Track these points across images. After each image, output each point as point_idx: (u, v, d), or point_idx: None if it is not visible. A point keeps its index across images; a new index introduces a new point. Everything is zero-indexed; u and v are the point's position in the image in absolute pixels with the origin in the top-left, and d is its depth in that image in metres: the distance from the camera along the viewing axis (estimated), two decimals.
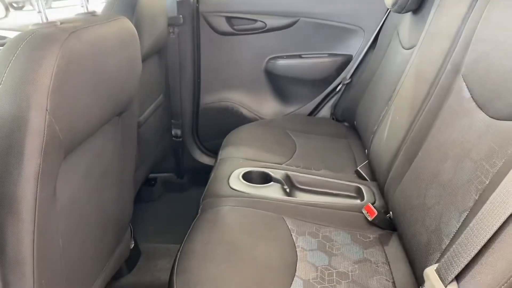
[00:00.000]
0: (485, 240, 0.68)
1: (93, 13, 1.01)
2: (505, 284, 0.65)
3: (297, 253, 1.12)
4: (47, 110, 0.75)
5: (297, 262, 1.09)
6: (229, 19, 2.08)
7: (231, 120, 2.15)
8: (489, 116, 0.92)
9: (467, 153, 0.94)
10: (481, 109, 0.96)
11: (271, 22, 2.07)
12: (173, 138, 2.17)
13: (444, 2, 1.31)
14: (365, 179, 1.55)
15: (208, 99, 2.19)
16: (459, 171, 0.95)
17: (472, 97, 1.02)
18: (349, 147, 1.83)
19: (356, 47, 2.06)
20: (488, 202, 0.72)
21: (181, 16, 1.97)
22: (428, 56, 1.29)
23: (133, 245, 1.55)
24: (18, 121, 0.73)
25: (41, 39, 0.77)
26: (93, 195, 1.06)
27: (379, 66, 1.78)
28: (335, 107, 2.11)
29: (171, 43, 1.97)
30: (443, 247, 0.89)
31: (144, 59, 1.60)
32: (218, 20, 2.07)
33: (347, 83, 2.05)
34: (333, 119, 2.14)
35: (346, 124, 2.06)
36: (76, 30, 0.84)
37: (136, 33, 1.11)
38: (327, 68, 2.12)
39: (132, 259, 1.60)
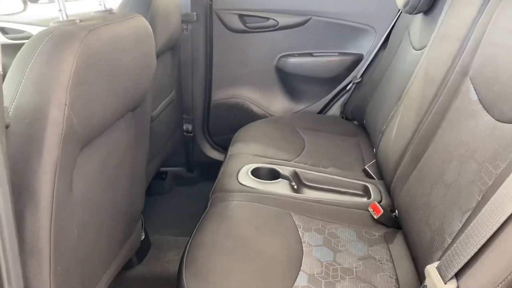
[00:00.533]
0: (485, 239, 0.70)
1: (110, 11, 1.05)
2: (503, 283, 0.67)
3: (303, 248, 1.15)
4: (66, 104, 0.79)
5: (303, 257, 1.12)
6: (241, 16, 2.11)
7: (241, 117, 2.18)
8: (495, 119, 0.94)
9: (472, 154, 0.96)
10: (487, 111, 0.98)
11: (283, 20, 2.10)
12: (184, 133, 2.21)
13: (455, 4, 1.32)
14: (372, 178, 1.57)
15: (219, 95, 2.23)
16: (463, 172, 0.97)
17: (479, 99, 1.03)
18: (357, 146, 1.84)
19: (367, 46, 2.08)
20: (489, 202, 0.74)
21: (194, 13, 2.00)
22: (437, 57, 1.30)
23: (143, 236, 1.59)
24: (38, 114, 0.77)
25: (62, 36, 0.81)
26: (106, 187, 1.10)
27: (390, 66, 1.80)
28: (345, 106, 2.13)
29: (184, 39, 2.00)
30: (445, 245, 0.91)
31: (158, 56, 1.63)
32: (231, 18, 2.10)
33: (358, 82, 2.07)
34: (342, 117, 2.16)
35: (355, 122, 2.08)
36: (94, 28, 0.87)
37: (151, 31, 1.15)
38: (337, 67, 2.14)
39: (142, 251, 1.64)
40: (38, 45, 0.80)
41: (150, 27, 1.14)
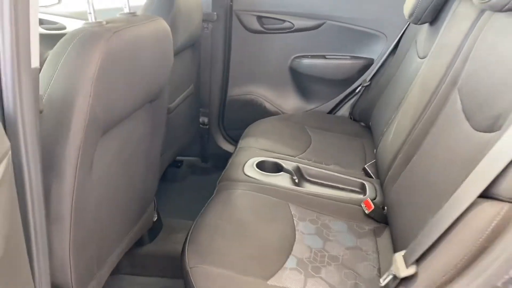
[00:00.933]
0: (441, 232, 0.81)
1: (133, 14, 1.18)
2: (454, 269, 0.78)
3: (296, 235, 1.26)
4: (90, 95, 0.92)
5: (295, 243, 1.23)
6: (260, 18, 2.22)
7: (255, 112, 2.30)
8: (472, 128, 1.03)
9: (452, 159, 1.06)
10: (467, 120, 1.07)
11: (299, 23, 2.20)
12: (200, 125, 2.34)
13: (454, 17, 1.40)
14: (371, 177, 1.67)
15: (235, 91, 2.35)
16: (442, 175, 1.06)
17: (462, 109, 1.12)
18: (362, 146, 1.94)
19: (377, 51, 2.16)
20: (449, 200, 0.84)
21: (215, 13, 2.12)
22: (433, 67, 1.39)
23: (156, 218, 1.73)
24: (67, 103, 0.91)
25: (89, 37, 0.94)
26: (123, 169, 1.24)
27: (396, 72, 1.88)
28: (354, 107, 2.22)
29: (204, 38, 2.12)
30: None
31: (178, 52, 1.77)
32: (249, 19, 2.22)
33: (366, 86, 2.16)
34: (351, 118, 2.25)
35: (362, 124, 2.16)
36: (118, 30, 1.00)
37: (170, 33, 1.27)
38: (348, 70, 2.23)
39: (154, 231, 1.78)
40: (69, 43, 0.93)
41: (169, 29, 1.27)
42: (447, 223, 0.81)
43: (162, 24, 1.23)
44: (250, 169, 1.59)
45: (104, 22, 1.02)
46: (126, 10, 1.18)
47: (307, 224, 1.32)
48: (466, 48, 1.22)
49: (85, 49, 0.92)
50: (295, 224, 1.31)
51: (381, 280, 0.92)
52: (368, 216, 1.40)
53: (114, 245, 1.27)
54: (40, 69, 0.93)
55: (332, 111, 2.30)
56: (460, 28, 1.29)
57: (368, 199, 1.44)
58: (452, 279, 0.78)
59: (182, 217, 1.98)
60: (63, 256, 1.00)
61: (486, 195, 0.78)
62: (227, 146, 2.39)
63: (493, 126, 0.93)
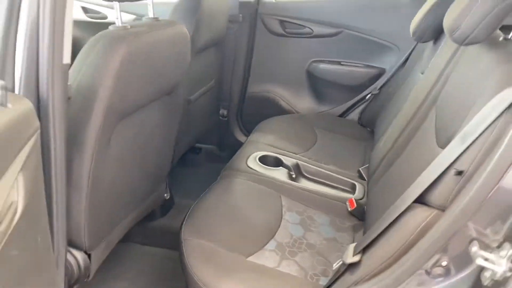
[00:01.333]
0: (383, 228, 0.97)
1: (156, 19, 1.37)
2: (390, 258, 0.93)
3: (281, 223, 1.43)
4: (110, 88, 1.12)
5: (278, 229, 1.40)
6: (282, 22, 2.39)
7: (271, 109, 2.48)
8: (436, 143, 1.17)
9: (416, 170, 1.19)
10: (436, 137, 1.21)
11: (318, 29, 2.36)
12: (220, 117, 2.54)
13: (447, 41, 1.52)
14: (363, 179, 1.81)
15: (255, 88, 2.53)
16: (407, 183, 1.20)
17: (435, 125, 1.26)
18: (363, 150, 2.07)
19: (390, 62, 2.28)
20: (395, 202, 0.99)
21: (241, 15, 2.30)
22: (423, 83, 1.52)
23: (168, 196, 1.94)
24: (91, 92, 1.11)
25: (114, 38, 1.14)
26: (137, 151, 1.44)
27: (402, 84, 2.00)
28: (362, 113, 2.36)
29: (229, 37, 2.31)
30: None
31: (201, 50, 1.96)
32: (272, 22, 2.39)
33: (376, 94, 2.28)
34: (359, 123, 2.39)
35: (368, 129, 2.29)
36: (139, 34, 1.20)
37: (188, 37, 1.45)
38: (361, 77, 2.36)
39: (166, 207, 1.99)
40: (97, 43, 1.13)
41: (187, 33, 1.45)
42: (388, 221, 0.97)
43: (181, 29, 1.42)
44: (253, 162, 1.77)
45: (129, 26, 1.22)
46: (151, 15, 1.37)
47: (293, 215, 1.49)
48: (448, 70, 1.35)
49: (109, 49, 1.12)
50: (283, 213, 1.48)
51: (334, 265, 1.08)
52: (351, 213, 1.55)
53: (124, 214, 1.49)
54: (73, 61, 1.13)
55: (342, 114, 2.44)
56: (447, 51, 1.42)
57: (352, 198, 1.59)
58: (388, 266, 0.94)
59: (194, 198, 2.17)
60: (79, 218, 1.21)
61: (421, 201, 0.93)
62: (243, 138, 2.58)
63: (446, 143, 1.07)
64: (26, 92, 0.88)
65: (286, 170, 1.76)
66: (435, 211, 0.89)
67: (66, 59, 0.97)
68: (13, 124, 0.75)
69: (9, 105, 0.75)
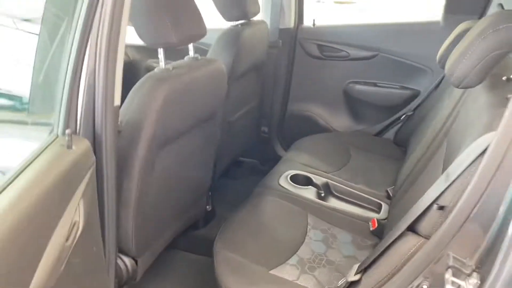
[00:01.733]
0: (381, 251, 1.09)
1: (196, 58, 1.57)
2: (385, 278, 1.06)
3: (305, 240, 1.58)
4: (154, 121, 1.33)
5: (302, 245, 1.54)
6: (320, 46, 2.54)
7: (309, 127, 2.62)
8: (442, 170, 1.26)
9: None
10: (443, 166, 1.30)
11: (354, 53, 2.48)
12: (262, 133, 2.72)
13: None
14: (390, 199, 1.90)
15: (294, 107, 2.70)
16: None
17: (444, 156, 1.35)
18: (395, 170, 2.14)
19: (424, 84, 2.35)
20: (393, 228, 1.12)
21: (280, 41, 2.47)
22: (443, 113, 1.60)
23: (210, 208, 2.14)
24: (137, 126, 1.32)
25: (158, 80, 1.35)
26: (179, 171, 1.65)
27: (433, 108, 2.07)
28: (397, 133, 2.44)
29: (269, 61, 2.48)
30: None
31: (242, 75, 2.15)
32: (311, 46, 2.54)
33: (410, 115, 2.35)
34: (394, 142, 2.46)
35: (403, 149, 2.37)
36: (180, 75, 1.40)
37: (224, 71, 1.64)
38: (396, 99, 2.45)
39: (208, 219, 2.19)
40: (144, 83, 1.34)
41: (224, 69, 1.64)
42: (385, 245, 1.09)
43: (218, 65, 1.61)
44: (284, 180, 1.92)
45: (171, 68, 1.42)
46: (191, 54, 1.58)
47: (317, 232, 1.63)
48: (460, 104, 1.44)
49: (154, 89, 1.33)
50: (308, 230, 1.63)
51: (339, 282, 1.22)
52: (373, 233, 1.66)
53: (167, 225, 1.70)
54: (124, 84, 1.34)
55: (378, 133, 2.53)
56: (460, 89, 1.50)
57: (375, 218, 1.70)
58: (382, 284, 1.07)
59: (235, 210, 2.37)
60: (127, 230, 1.42)
61: (412, 229, 1.05)
62: (283, 153, 2.73)
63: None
64: (84, 132, 1.10)
65: (315, 189, 1.90)
66: (422, 239, 1.01)
67: (117, 101, 1.18)
68: (76, 162, 0.96)
69: (74, 147, 0.97)
